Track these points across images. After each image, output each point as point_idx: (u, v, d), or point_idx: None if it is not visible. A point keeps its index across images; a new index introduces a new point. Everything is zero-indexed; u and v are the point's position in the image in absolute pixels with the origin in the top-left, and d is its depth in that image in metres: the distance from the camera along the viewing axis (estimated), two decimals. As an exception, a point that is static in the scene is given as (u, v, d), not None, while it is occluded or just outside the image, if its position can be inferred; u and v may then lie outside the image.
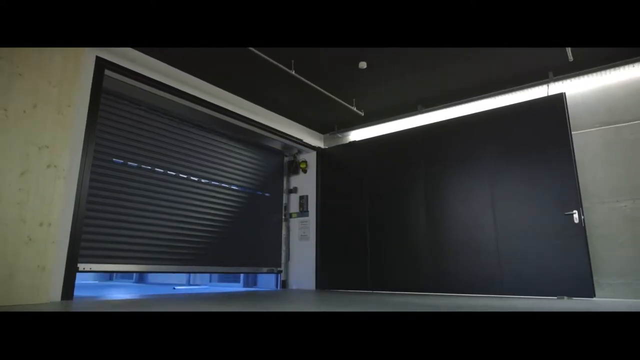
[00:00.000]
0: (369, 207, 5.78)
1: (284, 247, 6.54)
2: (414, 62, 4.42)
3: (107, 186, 4.24)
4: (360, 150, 6.10)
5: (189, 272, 4.98)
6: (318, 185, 6.45)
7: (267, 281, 6.58)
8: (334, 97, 5.19)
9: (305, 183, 6.61)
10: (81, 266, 3.82)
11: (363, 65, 4.46)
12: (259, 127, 5.58)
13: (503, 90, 4.95)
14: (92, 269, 3.99)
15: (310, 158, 6.64)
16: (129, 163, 4.49)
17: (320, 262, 6.09)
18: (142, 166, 4.62)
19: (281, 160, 6.88)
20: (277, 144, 6.42)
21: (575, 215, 4.14)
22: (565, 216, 4.20)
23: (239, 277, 6.80)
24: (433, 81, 4.86)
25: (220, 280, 7.18)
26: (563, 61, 4.26)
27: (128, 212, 4.41)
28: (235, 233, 5.70)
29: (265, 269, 6.16)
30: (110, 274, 9.46)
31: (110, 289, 5.97)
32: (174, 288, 6.19)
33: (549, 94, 4.62)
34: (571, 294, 4.06)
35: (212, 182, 5.47)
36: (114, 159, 4.34)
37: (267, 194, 6.36)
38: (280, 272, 6.42)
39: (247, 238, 5.87)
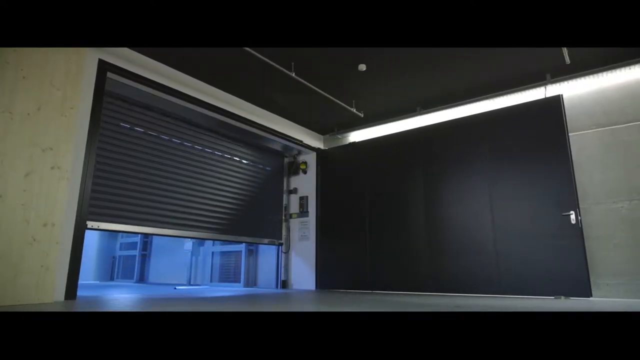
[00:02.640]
0: (368, 208, 5.82)
1: (284, 247, 6.59)
2: (413, 64, 4.46)
3: (116, 149, 4.42)
4: (360, 151, 6.14)
5: (193, 238, 5.26)
6: (318, 186, 6.49)
7: (267, 281, 6.63)
8: (333, 98, 5.23)
9: (305, 184, 6.65)
10: (90, 224, 3.95)
11: (362, 67, 4.50)
12: (259, 129, 5.62)
13: (501, 92, 4.99)
14: (100, 227, 4.14)
15: (310, 159, 6.68)
16: (136, 128, 4.69)
17: (320, 262, 6.13)
18: (149, 132, 4.84)
19: (281, 161, 6.93)
20: (277, 145, 6.47)
21: (573, 216, 4.19)
22: (563, 217, 4.25)
23: (240, 277, 6.84)
24: (432, 83, 4.90)
25: (221, 280, 7.22)
26: (560, 63, 4.30)
27: (136, 174, 4.60)
28: (239, 204, 5.92)
29: (266, 240, 6.35)
30: (111, 274, 9.48)
31: (112, 288, 6.01)
32: (175, 288, 6.22)
33: (547, 96, 4.67)
34: (568, 294, 4.10)
35: (216, 153, 5.69)
36: (121, 124, 4.51)
37: (267, 168, 6.57)
38: (281, 244, 6.59)
39: (249, 210, 6.08)
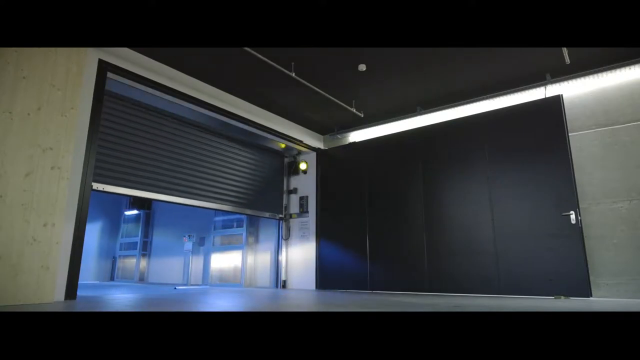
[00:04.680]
0: (368, 208, 5.82)
1: (284, 248, 6.59)
2: (413, 64, 4.46)
3: (123, 115, 4.54)
4: (360, 151, 6.14)
5: (196, 206, 5.42)
6: (318, 186, 6.49)
7: (267, 281, 6.62)
8: (333, 98, 5.23)
9: (305, 184, 6.66)
10: (95, 185, 4.05)
11: (362, 67, 4.51)
12: (259, 129, 5.63)
13: (501, 92, 4.99)
14: (106, 190, 4.24)
15: (310, 159, 6.69)
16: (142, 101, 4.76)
17: (320, 262, 6.13)
18: (153, 104, 4.88)
19: (281, 161, 6.93)
20: (277, 145, 6.48)
21: (572, 216, 4.19)
22: (563, 217, 4.25)
23: (239, 278, 6.84)
24: (432, 83, 4.90)
25: (221, 280, 7.21)
26: (560, 63, 4.30)
27: (142, 140, 4.72)
28: (242, 179, 6.09)
29: (267, 214, 6.49)
30: (111, 274, 9.48)
31: (112, 288, 6.01)
32: (175, 288, 6.22)
33: (547, 96, 4.67)
34: (568, 294, 4.10)
35: (218, 131, 5.81)
36: (127, 94, 4.57)
37: (270, 148, 6.68)
38: (281, 219, 6.70)
39: (252, 186, 6.25)
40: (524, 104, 4.79)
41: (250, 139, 6.13)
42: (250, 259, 6.94)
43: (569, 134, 4.47)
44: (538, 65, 4.43)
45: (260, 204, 6.35)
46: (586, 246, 4.16)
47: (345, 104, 5.43)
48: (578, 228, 4.15)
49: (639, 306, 3.12)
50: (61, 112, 3.37)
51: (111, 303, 3.22)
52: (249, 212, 6.16)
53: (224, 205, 5.73)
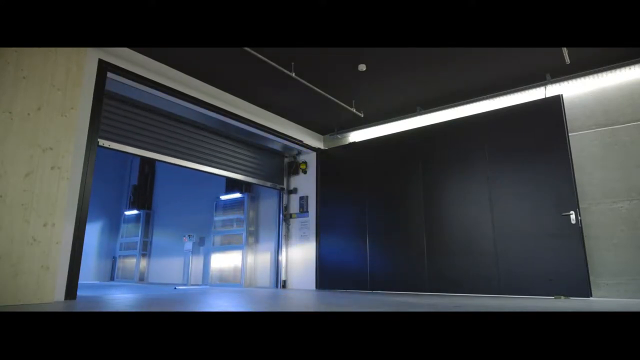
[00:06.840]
0: (368, 208, 5.82)
1: (284, 247, 6.59)
2: (413, 64, 4.46)
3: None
4: (360, 151, 6.14)
5: (199, 170, 5.53)
6: (318, 186, 6.49)
7: (267, 281, 6.62)
8: (333, 98, 5.23)
9: (305, 184, 6.66)
10: (101, 142, 4.13)
11: (362, 67, 4.51)
12: (259, 129, 5.63)
13: (501, 92, 4.99)
14: (111, 147, 4.33)
15: (310, 159, 6.69)
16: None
17: (321, 261, 6.13)
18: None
19: (281, 161, 6.94)
20: (277, 145, 6.48)
21: (572, 216, 4.19)
22: (563, 217, 4.25)
23: (239, 278, 6.84)
24: (432, 83, 4.90)
25: (221, 280, 7.21)
26: (560, 63, 4.30)
27: (150, 107, 4.82)
28: (244, 150, 6.26)
29: (269, 184, 6.63)
30: (111, 274, 9.48)
31: (112, 288, 6.01)
32: (175, 288, 6.22)
33: (547, 96, 4.67)
34: (568, 294, 4.10)
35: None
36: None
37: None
38: (282, 189, 6.81)
39: (253, 157, 6.40)
40: (524, 104, 4.79)
41: (249, 138, 6.14)
42: (250, 259, 6.94)
43: (569, 134, 4.47)
44: (538, 65, 4.43)
45: (263, 174, 6.52)
46: (586, 246, 4.16)
47: (345, 104, 5.43)
48: (578, 228, 4.15)
49: (639, 306, 3.12)
50: (61, 112, 3.37)
51: (111, 303, 3.22)
52: (251, 180, 6.29)
53: (227, 173, 5.89)
